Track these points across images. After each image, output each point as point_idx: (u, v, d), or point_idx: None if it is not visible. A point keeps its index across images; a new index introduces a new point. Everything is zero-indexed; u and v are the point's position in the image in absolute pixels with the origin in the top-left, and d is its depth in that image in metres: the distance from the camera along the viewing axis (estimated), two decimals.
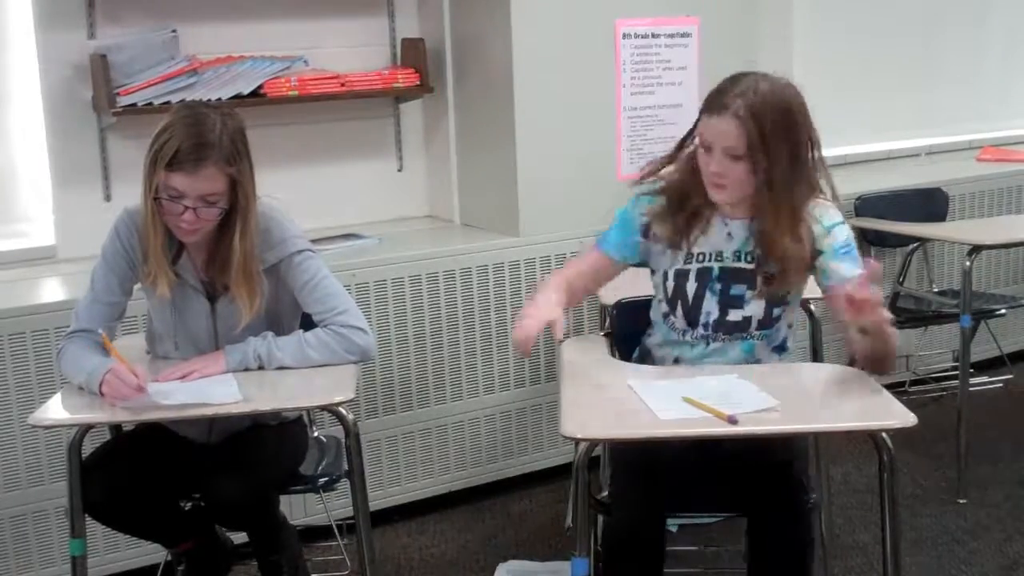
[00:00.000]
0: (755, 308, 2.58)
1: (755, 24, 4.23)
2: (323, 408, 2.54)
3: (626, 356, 2.79)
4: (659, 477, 2.45)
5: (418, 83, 3.93)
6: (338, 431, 2.78)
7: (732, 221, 2.58)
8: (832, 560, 3.33)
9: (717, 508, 2.73)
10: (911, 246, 4.42)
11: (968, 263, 3.83)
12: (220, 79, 3.60)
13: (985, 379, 4.66)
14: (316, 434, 3.08)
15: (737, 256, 2.58)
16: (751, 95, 2.45)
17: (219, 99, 3.55)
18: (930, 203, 4.59)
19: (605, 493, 2.62)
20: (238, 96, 3.60)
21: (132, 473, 2.59)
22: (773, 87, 2.49)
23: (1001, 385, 4.67)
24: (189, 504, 2.80)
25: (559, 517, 3.67)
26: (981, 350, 4.73)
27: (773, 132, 2.44)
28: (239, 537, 2.91)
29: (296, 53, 3.77)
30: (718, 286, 2.58)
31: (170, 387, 2.50)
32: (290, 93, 3.70)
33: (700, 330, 2.59)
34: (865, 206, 4.48)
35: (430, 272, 3.67)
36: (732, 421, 2.19)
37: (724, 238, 2.59)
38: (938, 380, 4.71)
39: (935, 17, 5.50)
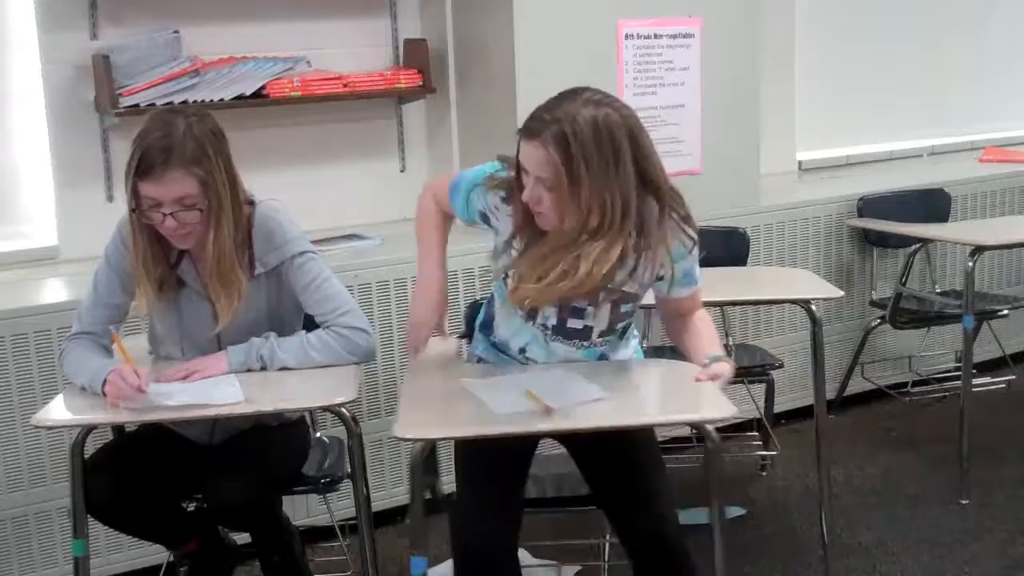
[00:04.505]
0: (598, 319, 2.52)
1: (757, 24, 4.23)
2: (325, 409, 2.54)
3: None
4: (505, 482, 2.44)
5: (420, 84, 3.93)
6: (340, 432, 2.78)
7: None
8: (833, 560, 3.33)
9: (583, 502, 2.68)
10: (913, 247, 4.41)
11: (970, 264, 3.83)
12: (222, 80, 3.60)
13: (987, 380, 4.65)
14: (319, 435, 3.08)
15: None
16: (570, 122, 2.29)
17: (221, 99, 3.56)
18: (932, 204, 4.59)
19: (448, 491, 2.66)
20: (240, 97, 3.61)
21: (134, 474, 2.59)
22: (600, 111, 2.33)
23: (1004, 386, 4.66)
24: (192, 505, 2.80)
25: (562, 517, 3.66)
26: (983, 351, 4.73)
27: (591, 164, 2.29)
28: (242, 538, 2.91)
29: (298, 54, 3.77)
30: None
31: (172, 387, 2.50)
32: (292, 94, 3.70)
33: (539, 324, 2.53)
34: (867, 207, 4.48)
35: None
36: (547, 411, 2.23)
37: None
38: (940, 381, 4.70)
39: (937, 18, 5.49)
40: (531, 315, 2.53)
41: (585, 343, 2.55)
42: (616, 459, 2.49)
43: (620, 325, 2.56)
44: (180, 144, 2.46)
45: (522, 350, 2.57)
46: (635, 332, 2.69)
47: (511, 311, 2.55)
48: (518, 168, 2.40)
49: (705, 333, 2.58)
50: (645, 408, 2.46)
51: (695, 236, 2.50)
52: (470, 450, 2.50)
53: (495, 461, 2.45)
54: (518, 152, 2.38)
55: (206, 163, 2.49)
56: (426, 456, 2.56)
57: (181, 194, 2.47)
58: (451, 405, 2.41)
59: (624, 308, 2.52)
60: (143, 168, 2.45)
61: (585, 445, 2.54)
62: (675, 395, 2.50)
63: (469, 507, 2.46)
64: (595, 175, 2.29)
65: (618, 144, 2.31)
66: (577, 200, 2.31)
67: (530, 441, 2.53)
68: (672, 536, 2.44)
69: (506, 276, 2.51)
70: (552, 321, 2.52)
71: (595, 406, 2.31)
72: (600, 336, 2.55)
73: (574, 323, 2.52)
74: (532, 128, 2.33)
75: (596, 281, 2.37)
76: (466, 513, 2.46)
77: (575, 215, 2.33)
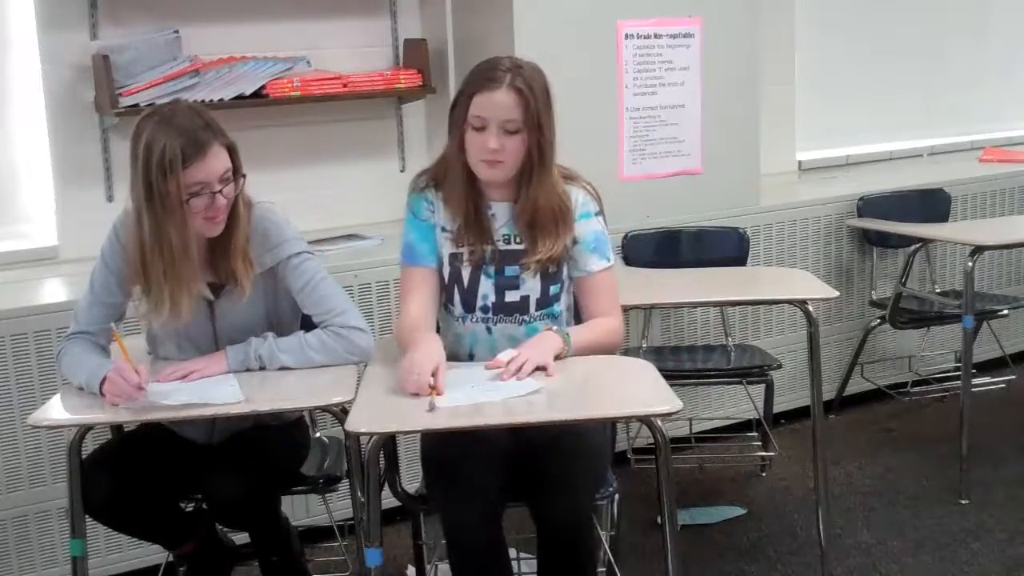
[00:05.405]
0: (531, 287, 2.63)
1: (757, 24, 4.23)
2: (323, 409, 2.54)
3: None
4: (478, 471, 2.45)
5: (420, 84, 3.94)
6: (340, 432, 2.78)
7: (496, 204, 2.64)
8: (833, 560, 3.33)
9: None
10: (913, 247, 4.41)
11: (970, 264, 3.82)
12: (222, 80, 3.60)
13: (987, 380, 4.64)
14: (318, 435, 3.08)
15: (507, 239, 2.64)
16: (519, 70, 2.53)
17: (221, 99, 3.56)
18: (932, 204, 4.59)
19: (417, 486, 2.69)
20: (240, 97, 3.60)
21: (133, 474, 2.58)
22: (531, 64, 2.59)
23: (1003, 386, 4.66)
24: (190, 505, 2.80)
25: None
26: (983, 351, 4.73)
27: (542, 104, 2.53)
28: (241, 538, 2.91)
29: (298, 54, 3.77)
30: (492, 268, 2.64)
31: (171, 387, 2.50)
32: (292, 94, 3.70)
33: (479, 313, 2.64)
34: (867, 206, 4.48)
35: None
36: (431, 408, 2.27)
37: (491, 221, 2.64)
38: (940, 381, 4.70)
39: (937, 17, 5.49)
40: (468, 306, 2.64)
41: (525, 317, 2.64)
42: (547, 448, 2.48)
43: (552, 292, 2.65)
44: (202, 123, 2.50)
45: (471, 355, 2.66)
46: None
47: (450, 319, 2.68)
48: (462, 132, 2.55)
49: (587, 325, 2.67)
50: (589, 403, 2.44)
51: (597, 194, 2.69)
52: (431, 444, 2.55)
53: (457, 457, 2.47)
54: (466, 112, 2.53)
55: (224, 131, 2.55)
56: (388, 451, 2.70)
57: (223, 167, 2.52)
58: (403, 402, 2.37)
59: (551, 269, 2.63)
60: (186, 157, 2.45)
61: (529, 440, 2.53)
62: (618, 389, 2.50)
63: (444, 503, 2.51)
64: (546, 113, 2.54)
65: (549, 89, 2.58)
66: (532, 138, 2.52)
67: (495, 435, 2.49)
68: (581, 526, 2.51)
69: (441, 266, 2.66)
70: (491, 299, 2.63)
71: (536, 402, 2.33)
72: (538, 310, 2.64)
73: (511, 296, 2.63)
74: (494, 77, 2.52)
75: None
76: (444, 508, 2.51)
77: (522, 158, 2.55)
